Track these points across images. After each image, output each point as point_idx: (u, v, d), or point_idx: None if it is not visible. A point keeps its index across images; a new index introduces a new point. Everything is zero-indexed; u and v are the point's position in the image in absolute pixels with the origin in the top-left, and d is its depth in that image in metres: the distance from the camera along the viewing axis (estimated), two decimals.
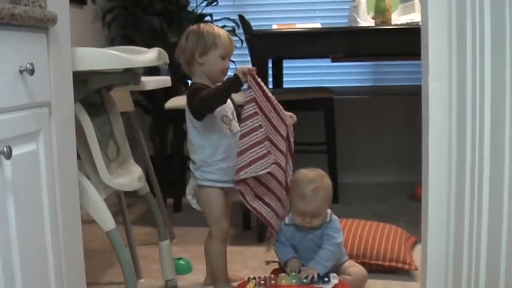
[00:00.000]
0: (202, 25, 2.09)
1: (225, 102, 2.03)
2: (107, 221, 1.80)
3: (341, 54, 3.31)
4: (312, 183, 2.02)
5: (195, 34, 2.06)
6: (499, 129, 1.31)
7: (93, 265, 2.31)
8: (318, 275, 1.96)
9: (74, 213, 1.56)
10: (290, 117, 2.15)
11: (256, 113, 1.97)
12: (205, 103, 1.98)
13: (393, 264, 2.27)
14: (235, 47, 2.16)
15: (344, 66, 3.97)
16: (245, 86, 2.00)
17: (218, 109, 2.02)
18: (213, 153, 2.05)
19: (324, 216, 2.04)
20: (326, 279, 1.96)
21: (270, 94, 2.05)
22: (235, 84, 1.97)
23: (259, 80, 2.00)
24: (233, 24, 3.60)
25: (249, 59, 2.95)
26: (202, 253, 2.23)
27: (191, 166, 2.11)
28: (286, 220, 2.09)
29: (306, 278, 1.95)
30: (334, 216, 2.08)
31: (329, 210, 2.08)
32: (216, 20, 3.68)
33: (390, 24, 2.96)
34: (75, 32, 1.59)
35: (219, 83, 2.06)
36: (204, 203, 2.09)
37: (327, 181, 2.07)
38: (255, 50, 2.90)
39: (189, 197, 2.14)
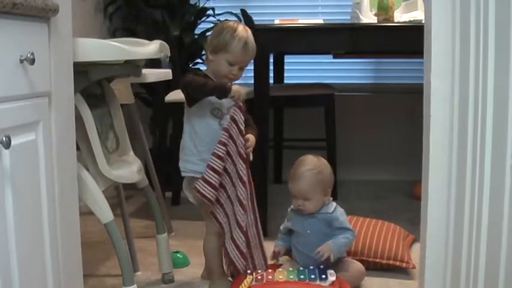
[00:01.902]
0: (230, 24, 2.05)
1: (203, 97, 1.99)
2: (105, 213, 1.79)
3: (343, 50, 3.30)
4: (305, 166, 2.03)
5: (218, 30, 2.05)
6: (501, 128, 1.31)
7: (90, 257, 2.30)
8: (319, 270, 1.97)
9: (72, 205, 1.55)
10: (247, 140, 2.01)
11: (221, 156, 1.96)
12: (189, 85, 1.98)
13: (391, 262, 2.27)
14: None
15: (346, 63, 3.97)
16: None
17: (210, 101, 2.00)
18: (193, 141, 2.03)
19: (317, 202, 2.04)
20: (323, 276, 1.96)
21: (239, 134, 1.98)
22: (222, 91, 1.94)
23: (239, 115, 1.96)
24: (235, 19, 3.59)
25: None
26: (199, 247, 2.22)
27: None
28: (292, 205, 2.11)
29: (320, 256, 1.97)
30: (340, 210, 2.08)
31: (334, 203, 2.08)
32: (218, 14, 3.67)
33: (393, 22, 2.96)
34: (77, 23, 1.58)
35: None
36: (198, 198, 2.06)
37: (324, 169, 2.07)
38: (257, 45, 2.88)
39: (186, 192, 2.13)
